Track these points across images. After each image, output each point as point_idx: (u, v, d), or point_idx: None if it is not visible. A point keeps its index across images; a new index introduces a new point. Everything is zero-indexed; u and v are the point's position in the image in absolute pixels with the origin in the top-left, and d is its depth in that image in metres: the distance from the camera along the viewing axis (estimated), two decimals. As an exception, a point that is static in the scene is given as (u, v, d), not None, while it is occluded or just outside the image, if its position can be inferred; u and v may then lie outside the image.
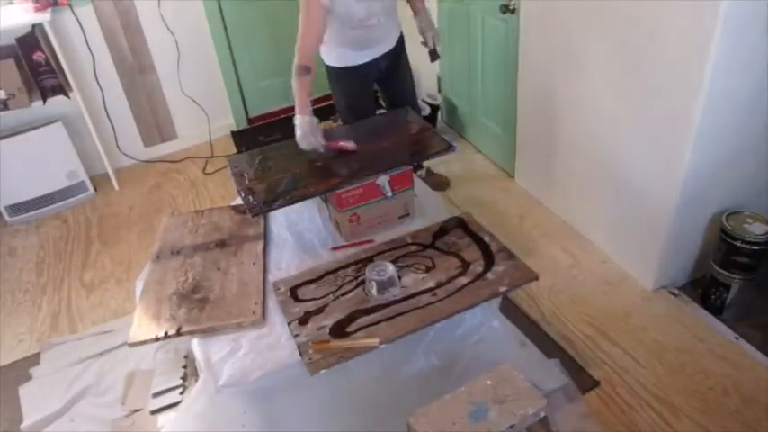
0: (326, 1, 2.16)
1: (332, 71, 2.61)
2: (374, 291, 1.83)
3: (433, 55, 2.59)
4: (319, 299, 1.86)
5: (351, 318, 1.77)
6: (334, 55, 2.53)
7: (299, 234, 2.18)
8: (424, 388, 1.84)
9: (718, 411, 2.02)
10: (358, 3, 2.23)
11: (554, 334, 2.36)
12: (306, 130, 2.15)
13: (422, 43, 2.60)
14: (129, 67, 3.59)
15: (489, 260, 1.94)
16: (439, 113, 3.77)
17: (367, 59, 2.53)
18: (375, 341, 1.67)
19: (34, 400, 2.30)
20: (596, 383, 2.15)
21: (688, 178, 2.16)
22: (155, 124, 3.84)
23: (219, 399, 1.75)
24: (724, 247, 2.24)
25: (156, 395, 2.23)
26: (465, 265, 1.93)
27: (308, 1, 2.16)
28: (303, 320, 1.78)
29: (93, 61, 3.45)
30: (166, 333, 1.79)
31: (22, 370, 2.45)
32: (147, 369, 2.35)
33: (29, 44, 3.17)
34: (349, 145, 2.21)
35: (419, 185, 2.33)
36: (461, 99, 3.63)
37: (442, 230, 2.10)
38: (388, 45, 2.56)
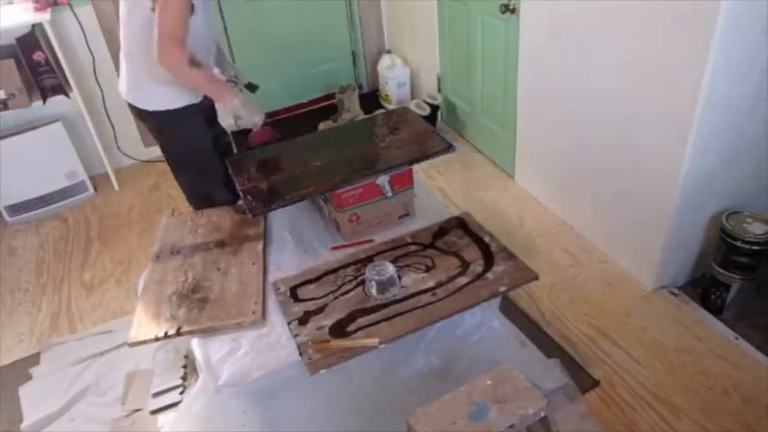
0: None
1: (168, 117, 2.13)
2: (374, 290, 1.83)
3: (252, 87, 2.47)
4: (319, 299, 1.86)
5: (350, 317, 1.77)
6: (170, 94, 2.09)
7: (299, 234, 2.18)
8: (424, 388, 1.84)
9: (718, 411, 2.02)
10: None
11: (554, 334, 2.36)
12: (244, 107, 2.11)
13: (233, 83, 2.37)
14: (129, 66, 3.59)
15: (489, 260, 1.94)
16: (439, 113, 3.77)
17: (195, 99, 2.17)
18: (375, 341, 1.67)
19: (34, 400, 2.30)
20: (596, 383, 2.15)
21: (688, 178, 2.16)
22: (155, 124, 3.84)
23: (219, 399, 1.75)
24: (724, 247, 2.24)
25: (155, 395, 2.23)
26: (465, 265, 1.93)
27: None
28: (303, 320, 1.78)
29: (93, 61, 3.45)
30: (166, 333, 1.79)
31: (21, 370, 2.45)
32: (147, 369, 2.35)
33: (29, 44, 3.17)
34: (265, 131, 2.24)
35: (419, 185, 2.33)
36: (461, 99, 3.63)
37: (441, 230, 2.10)
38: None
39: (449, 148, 2.19)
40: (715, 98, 1.98)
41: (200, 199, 2.40)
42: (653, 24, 2.06)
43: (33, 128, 3.31)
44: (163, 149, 2.33)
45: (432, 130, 2.34)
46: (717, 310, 2.37)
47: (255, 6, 3.81)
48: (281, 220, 2.23)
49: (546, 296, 2.53)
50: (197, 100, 2.17)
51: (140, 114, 2.18)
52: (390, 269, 1.85)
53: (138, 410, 2.21)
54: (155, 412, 2.18)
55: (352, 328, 1.74)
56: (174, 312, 1.85)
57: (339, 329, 1.74)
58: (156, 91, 2.09)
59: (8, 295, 2.90)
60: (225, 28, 3.77)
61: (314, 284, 1.92)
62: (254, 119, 2.16)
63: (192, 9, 1.91)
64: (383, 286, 1.83)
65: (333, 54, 4.25)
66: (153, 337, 1.79)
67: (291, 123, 4.04)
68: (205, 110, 2.27)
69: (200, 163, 2.29)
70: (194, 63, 1.93)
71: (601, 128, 2.49)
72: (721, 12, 1.80)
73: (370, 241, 2.11)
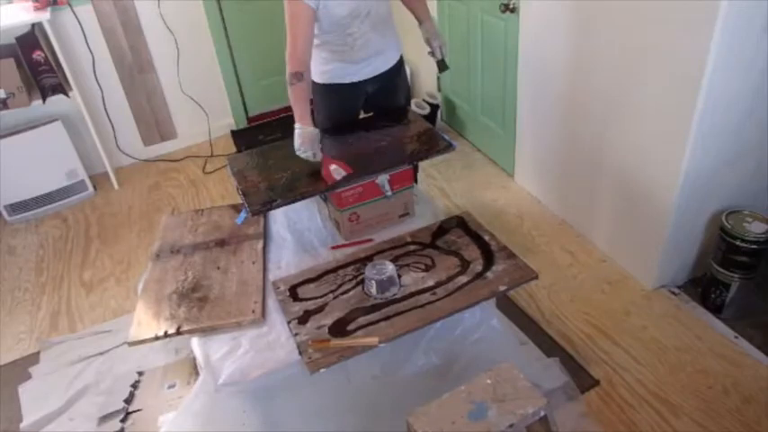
0: (313, 3, 2.00)
1: (313, 87, 2.30)
2: (374, 290, 1.83)
3: (441, 66, 2.40)
4: (319, 298, 1.86)
5: (350, 317, 1.77)
6: (315, 70, 2.26)
7: (299, 233, 2.18)
8: (424, 387, 1.84)
9: (717, 410, 2.02)
10: (341, 3, 2.06)
11: (554, 333, 2.36)
12: (305, 140, 2.07)
13: (429, 53, 2.39)
14: (129, 66, 3.59)
15: (489, 259, 1.94)
16: (438, 112, 3.77)
17: (352, 80, 2.30)
18: (374, 340, 1.67)
19: (34, 399, 2.30)
20: (596, 382, 2.15)
21: (688, 177, 2.16)
22: (154, 123, 3.84)
23: (219, 398, 1.75)
24: (724, 246, 2.24)
25: (157, 395, 2.24)
26: (465, 264, 1.93)
27: (292, 4, 2.01)
28: (303, 319, 1.78)
29: (93, 60, 3.44)
30: (166, 332, 1.79)
31: (21, 369, 2.45)
32: (150, 368, 2.35)
33: (28, 43, 3.17)
34: (339, 172, 2.04)
35: (419, 186, 2.33)
36: (461, 98, 3.63)
37: (441, 229, 2.10)
38: (378, 67, 2.33)
39: (449, 147, 2.19)
40: (715, 98, 1.98)
41: None
42: (653, 24, 2.06)
43: (33, 127, 3.31)
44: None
45: (431, 130, 2.34)
46: (716, 310, 2.37)
47: (256, 5, 3.80)
48: (280, 219, 2.23)
49: (546, 295, 2.53)
50: (336, 81, 2.30)
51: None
52: (390, 268, 1.85)
53: (138, 410, 2.21)
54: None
55: (351, 327, 1.74)
56: (174, 311, 1.85)
57: (339, 328, 1.74)
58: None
59: (8, 294, 2.90)
60: (225, 28, 3.77)
61: (314, 284, 1.92)
62: (309, 153, 2.08)
63: (311, 12, 2.02)
64: (383, 285, 1.83)
65: (332, 53, 4.24)
66: (153, 336, 1.79)
67: (291, 122, 4.03)
68: (355, 94, 2.37)
69: (326, 130, 2.33)
70: (297, 78, 2.06)
71: (601, 127, 2.49)
72: (721, 11, 1.80)
73: (370, 241, 2.11)
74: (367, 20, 2.16)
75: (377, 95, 2.42)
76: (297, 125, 2.10)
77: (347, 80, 2.30)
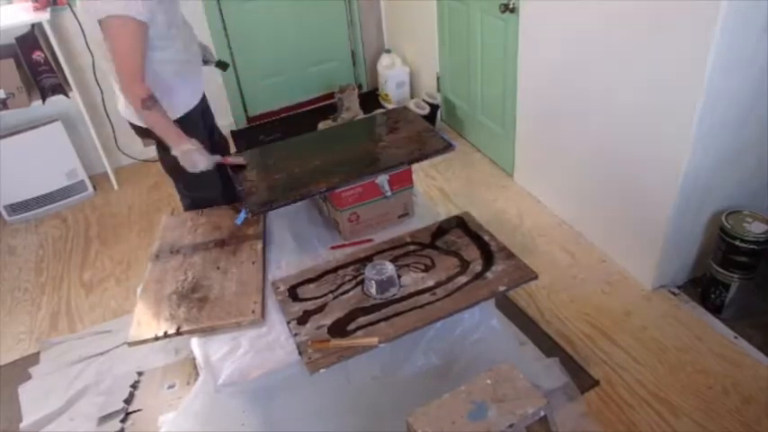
0: (145, 16, 1.83)
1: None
2: (373, 290, 1.83)
3: (222, 65, 2.50)
4: (318, 298, 1.86)
5: (350, 317, 1.77)
6: (170, 103, 2.06)
7: (299, 233, 2.18)
8: (424, 387, 1.84)
9: (717, 410, 2.02)
10: (162, 11, 1.92)
11: (553, 333, 2.36)
12: (197, 154, 2.01)
13: (205, 62, 2.36)
14: (129, 66, 3.59)
15: (489, 259, 1.94)
16: (438, 112, 3.77)
17: (197, 101, 2.22)
18: (374, 340, 1.67)
19: (34, 399, 2.30)
20: (596, 383, 2.15)
21: (688, 177, 2.16)
22: (154, 123, 3.83)
23: (219, 398, 1.75)
24: (723, 247, 2.24)
25: (157, 395, 2.24)
26: (464, 265, 1.93)
27: (121, 24, 1.82)
28: (302, 320, 1.78)
29: (93, 61, 3.44)
30: (166, 332, 1.78)
31: (21, 369, 2.45)
32: (150, 368, 2.35)
33: (28, 43, 3.17)
34: (239, 160, 2.17)
35: (416, 186, 2.33)
36: (461, 98, 3.63)
37: (441, 230, 2.10)
38: (201, 85, 2.28)
39: (448, 147, 2.18)
40: (715, 97, 1.99)
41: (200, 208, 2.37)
42: (653, 23, 2.06)
43: (33, 127, 3.31)
44: (163, 161, 2.25)
45: (431, 130, 2.34)
46: (716, 310, 2.37)
47: (256, 6, 3.81)
48: (280, 219, 2.23)
49: (545, 295, 2.53)
50: (193, 105, 2.20)
51: (142, 131, 2.18)
52: (390, 269, 1.85)
53: (138, 411, 2.21)
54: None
55: (351, 327, 1.74)
56: (174, 312, 1.85)
57: (338, 329, 1.74)
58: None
59: (7, 294, 2.90)
60: (225, 28, 3.77)
61: (313, 284, 1.92)
62: (207, 162, 2.04)
63: (145, 29, 1.86)
64: (383, 286, 1.83)
65: (332, 53, 4.25)
66: (152, 336, 1.79)
67: (291, 122, 4.04)
68: (201, 109, 2.31)
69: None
70: (152, 100, 1.91)
71: (600, 127, 2.49)
72: (721, 11, 1.80)
73: (370, 241, 2.11)
74: (184, 27, 2.11)
75: (206, 114, 2.39)
76: (181, 146, 1.97)
77: (194, 104, 2.21)
